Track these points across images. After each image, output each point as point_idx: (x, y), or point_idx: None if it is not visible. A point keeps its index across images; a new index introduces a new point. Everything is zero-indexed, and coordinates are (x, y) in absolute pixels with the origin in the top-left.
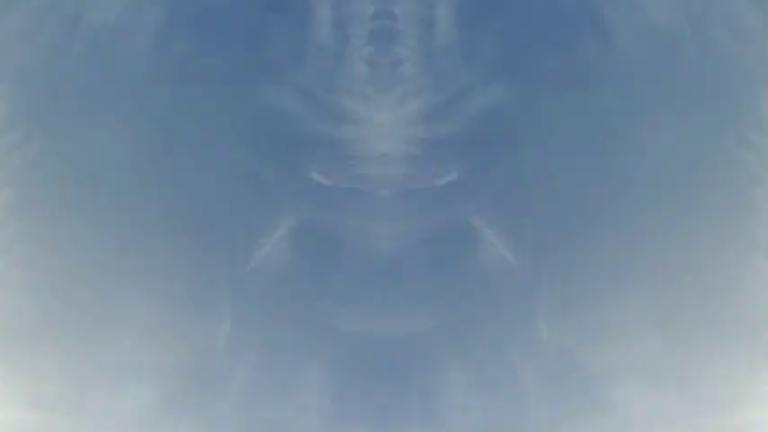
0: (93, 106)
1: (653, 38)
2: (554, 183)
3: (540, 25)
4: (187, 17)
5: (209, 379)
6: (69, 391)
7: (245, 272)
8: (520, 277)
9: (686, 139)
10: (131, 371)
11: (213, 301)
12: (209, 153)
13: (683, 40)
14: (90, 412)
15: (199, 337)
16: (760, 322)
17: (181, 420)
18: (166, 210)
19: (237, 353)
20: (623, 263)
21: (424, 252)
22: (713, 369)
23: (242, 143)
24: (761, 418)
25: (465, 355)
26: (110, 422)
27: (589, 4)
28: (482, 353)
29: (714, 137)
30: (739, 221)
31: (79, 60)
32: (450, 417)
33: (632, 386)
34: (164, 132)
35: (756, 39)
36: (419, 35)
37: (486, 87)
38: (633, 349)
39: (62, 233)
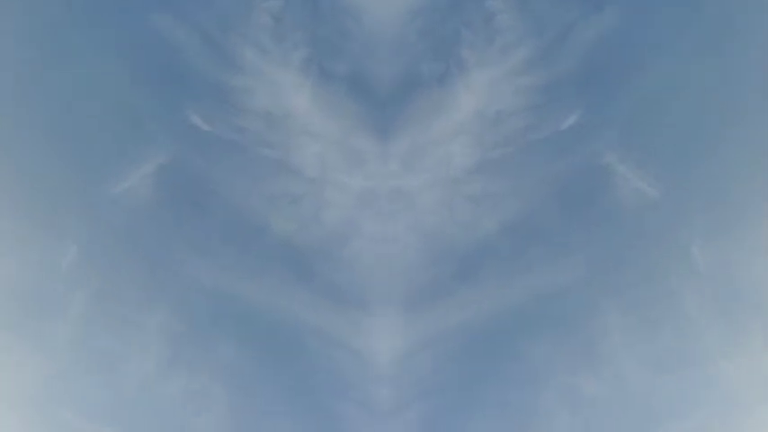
0: None
1: None
2: (680, 103)
3: None
4: None
5: (47, 301)
6: None
7: (104, 200)
8: (662, 208)
9: None
10: None
11: (63, 223)
12: (88, 73)
13: None
14: None
15: (42, 257)
16: None
17: (12, 341)
18: (30, 121)
19: (80, 279)
20: None
21: (556, 202)
22: None
23: (124, 69)
24: None
25: (621, 297)
26: None
27: None
28: (638, 292)
29: None
30: None
31: None
32: (615, 354)
33: None
34: (42, 44)
35: None
36: None
37: (589, 19)
38: None
39: None
